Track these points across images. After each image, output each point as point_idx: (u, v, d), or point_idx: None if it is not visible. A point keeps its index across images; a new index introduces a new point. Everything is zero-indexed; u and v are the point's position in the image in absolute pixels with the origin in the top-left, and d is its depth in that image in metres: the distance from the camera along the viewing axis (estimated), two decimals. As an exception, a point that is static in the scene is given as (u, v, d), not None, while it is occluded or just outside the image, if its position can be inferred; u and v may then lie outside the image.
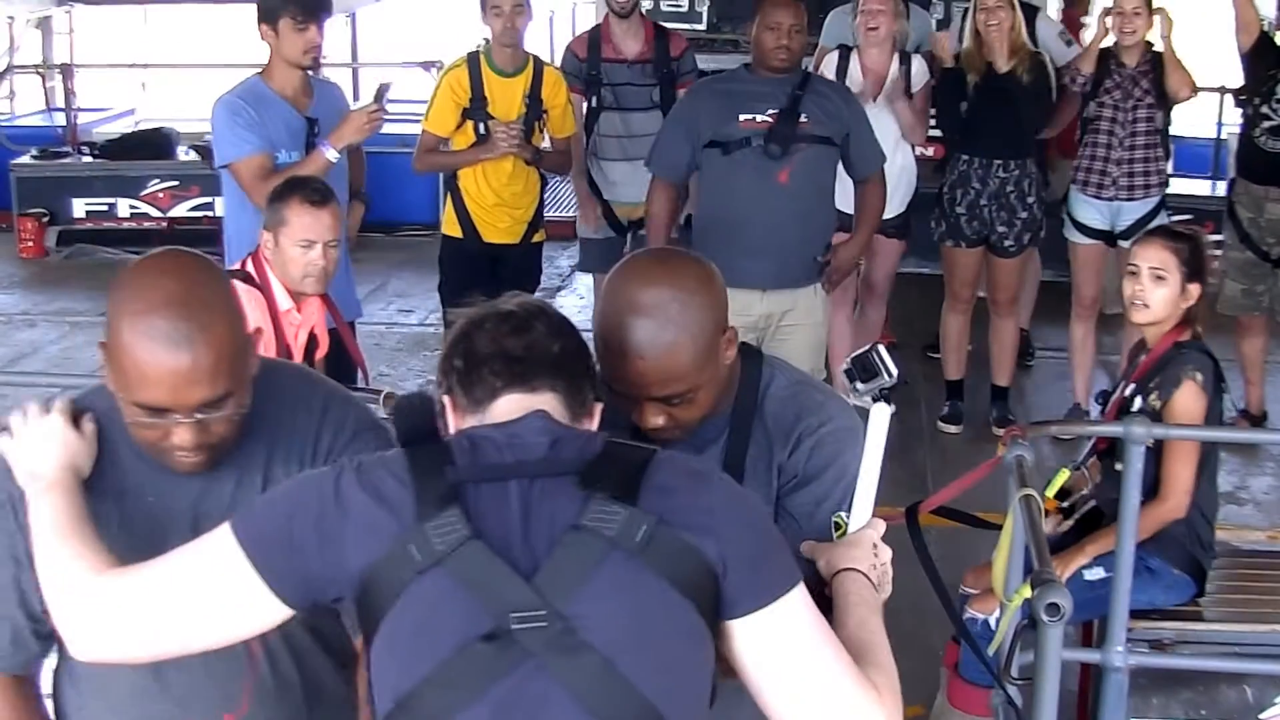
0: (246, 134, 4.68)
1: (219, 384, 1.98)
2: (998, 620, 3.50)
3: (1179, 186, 8.32)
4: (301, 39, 4.70)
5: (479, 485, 1.74)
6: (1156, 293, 3.87)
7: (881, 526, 2.12)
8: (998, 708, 3.51)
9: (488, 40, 5.72)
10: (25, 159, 9.61)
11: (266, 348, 3.84)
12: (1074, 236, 6.22)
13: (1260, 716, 3.69)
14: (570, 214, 8.90)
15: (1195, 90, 6.06)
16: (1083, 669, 3.88)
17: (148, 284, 1.99)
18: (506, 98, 5.67)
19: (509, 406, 1.82)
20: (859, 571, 2.02)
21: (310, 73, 4.90)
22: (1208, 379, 3.78)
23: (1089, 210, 6.13)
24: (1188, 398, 3.75)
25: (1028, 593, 2.74)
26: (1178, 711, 3.73)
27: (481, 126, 5.65)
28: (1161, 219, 6.09)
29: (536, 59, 5.84)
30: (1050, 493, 3.77)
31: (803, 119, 4.89)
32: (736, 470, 2.27)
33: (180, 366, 1.94)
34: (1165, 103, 6.01)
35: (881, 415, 2.15)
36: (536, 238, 5.87)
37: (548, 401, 1.82)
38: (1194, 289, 3.88)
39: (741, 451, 2.30)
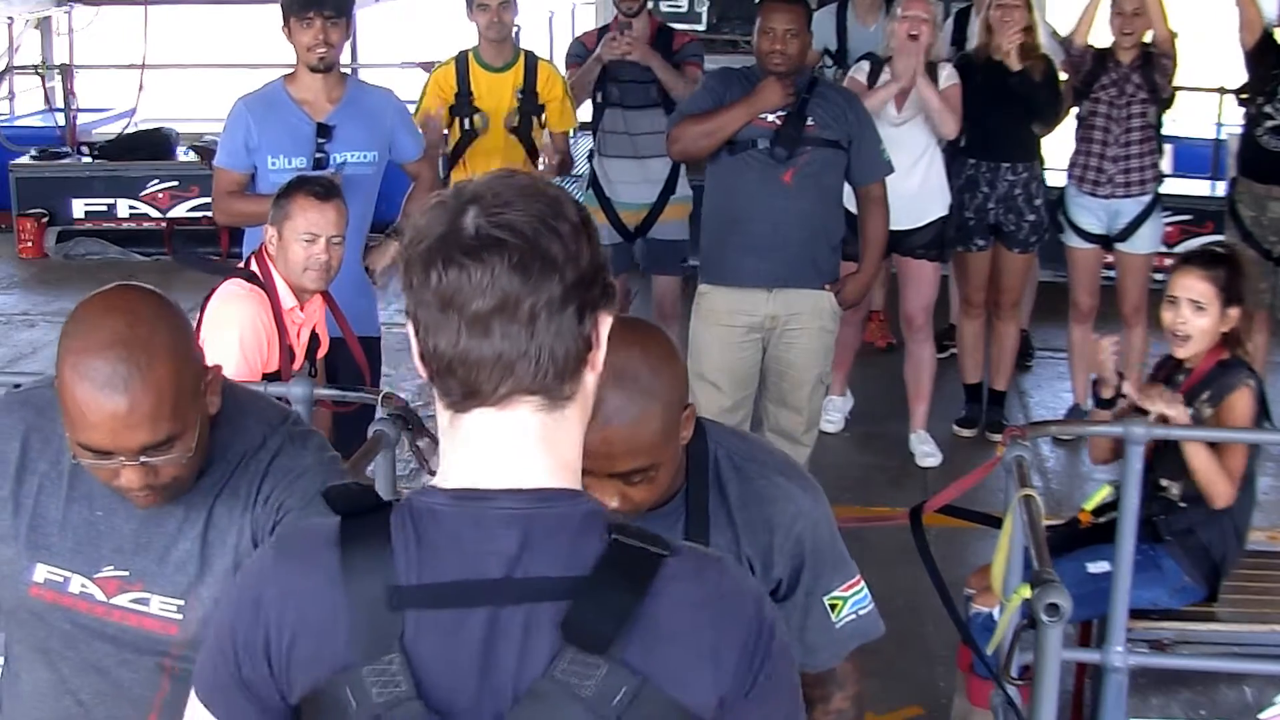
0: (231, 144, 4.64)
1: (160, 428, 1.92)
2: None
3: (1179, 186, 8.34)
4: (306, 34, 4.55)
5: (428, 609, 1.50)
6: (1196, 323, 3.83)
7: None
8: (997, 708, 3.50)
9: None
10: (25, 159, 9.60)
11: (270, 345, 3.88)
12: (1071, 241, 6.21)
13: (1260, 716, 3.68)
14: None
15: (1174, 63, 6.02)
16: (1079, 668, 3.88)
17: (92, 323, 1.93)
18: (495, 92, 5.65)
19: (481, 433, 1.52)
20: None
21: (330, 73, 4.62)
22: (1258, 391, 3.81)
23: (1086, 214, 6.12)
24: (1244, 401, 3.77)
25: (1027, 593, 2.74)
26: (1177, 711, 3.72)
27: (468, 122, 5.64)
28: (1157, 216, 6.13)
29: (529, 53, 5.82)
30: (1089, 507, 3.78)
31: (809, 122, 4.89)
32: None
33: (118, 410, 1.89)
34: (1158, 99, 6.03)
35: None
36: None
37: (523, 419, 1.51)
38: (1233, 313, 3.85)
39: (703, 539, 2.15)
